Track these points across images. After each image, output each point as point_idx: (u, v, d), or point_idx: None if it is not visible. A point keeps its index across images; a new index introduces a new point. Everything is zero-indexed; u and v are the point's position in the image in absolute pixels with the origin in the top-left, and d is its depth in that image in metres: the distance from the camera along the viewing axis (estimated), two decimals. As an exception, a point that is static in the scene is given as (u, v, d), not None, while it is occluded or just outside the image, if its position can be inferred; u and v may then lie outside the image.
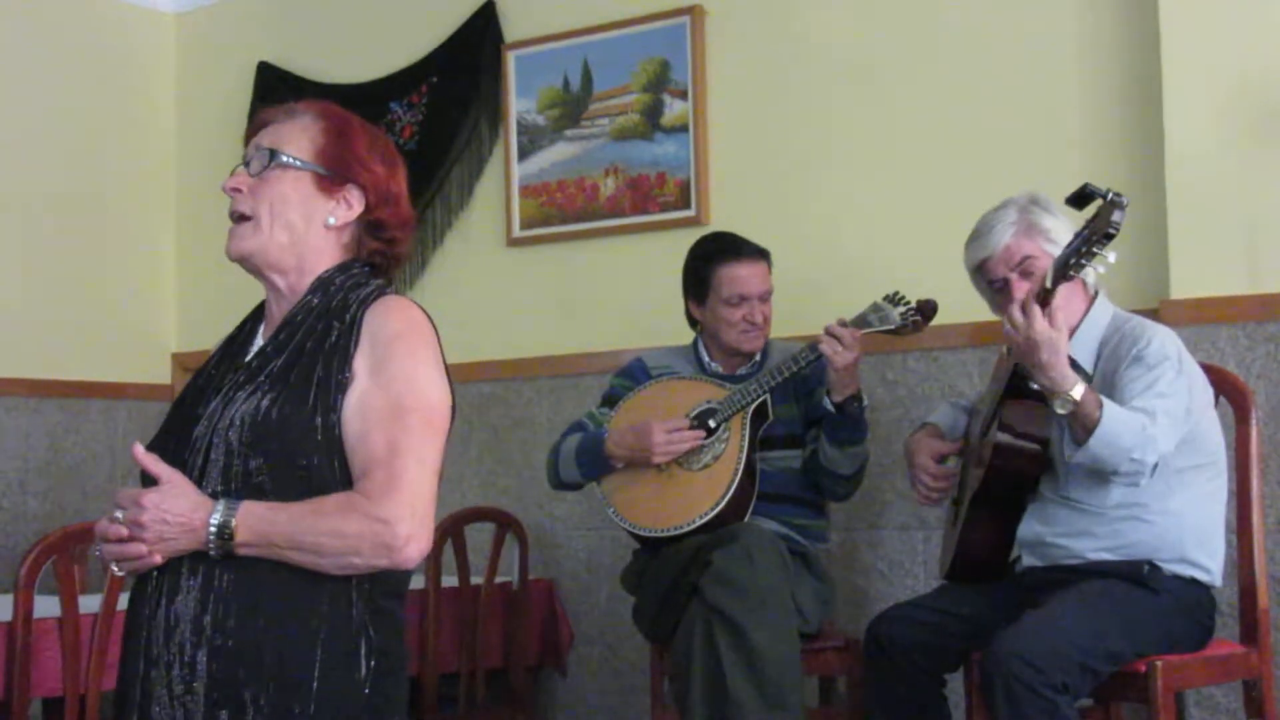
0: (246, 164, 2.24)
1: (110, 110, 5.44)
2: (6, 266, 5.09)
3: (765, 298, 3.70)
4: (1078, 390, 2.89)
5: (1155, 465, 2.92)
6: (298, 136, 2.24)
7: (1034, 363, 2.91)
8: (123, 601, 3.16)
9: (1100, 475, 2.97)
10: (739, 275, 3.67)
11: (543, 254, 4.76)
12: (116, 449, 5.32)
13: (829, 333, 3.48)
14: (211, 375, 2.24)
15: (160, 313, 5.55)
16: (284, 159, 2.21)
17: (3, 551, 4.93)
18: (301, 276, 2.23)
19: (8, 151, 5.11)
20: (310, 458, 2.07)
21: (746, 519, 3.55)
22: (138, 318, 5.48)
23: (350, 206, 2.24)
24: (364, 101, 4.88)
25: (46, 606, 3.28)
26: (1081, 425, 2.90)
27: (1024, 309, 2.91)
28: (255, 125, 2.30)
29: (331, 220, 2.23)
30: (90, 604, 3.31)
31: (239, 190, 2.22)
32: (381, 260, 2.30)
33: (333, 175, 2.23)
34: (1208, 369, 3.17)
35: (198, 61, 5.59)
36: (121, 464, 5.32)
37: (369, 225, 2.26)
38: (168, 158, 5.59)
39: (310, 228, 2.22)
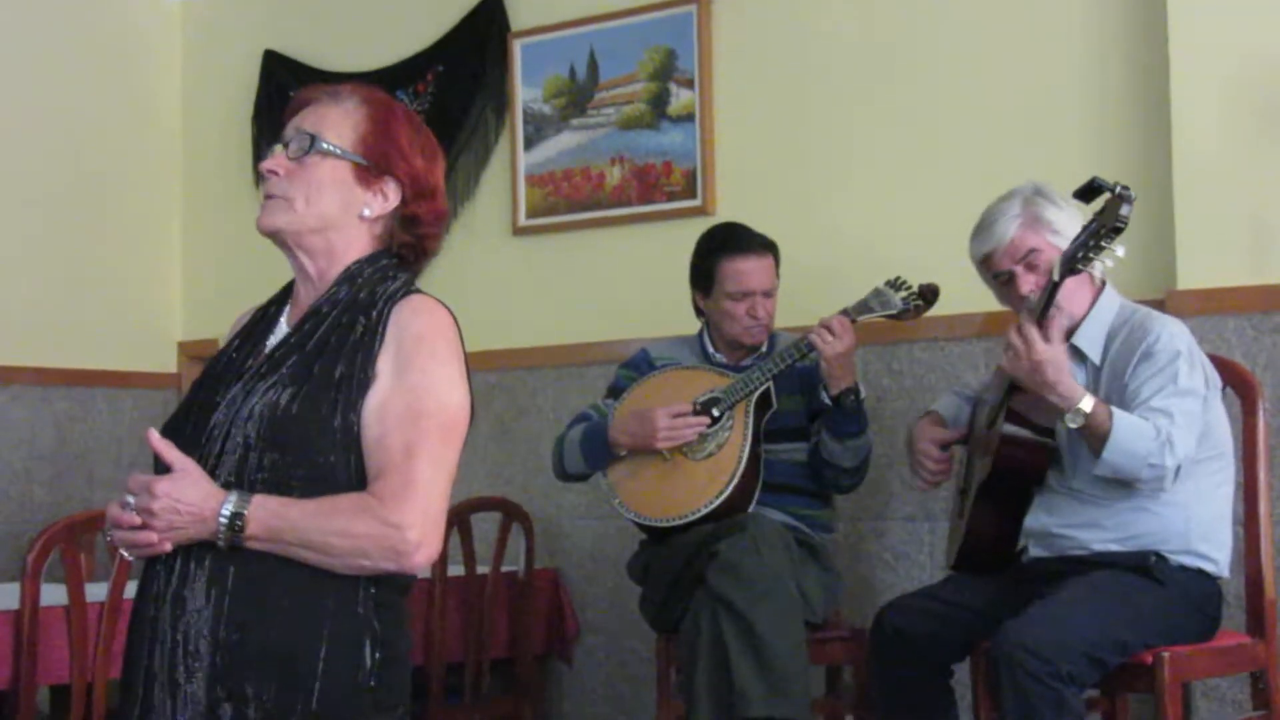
0: (285, 145, 2.19)
1: (116, 99, 5.43)
2: (13, 255, 5.08)
3: (769, 293, 3.69)
4: (1087, 402, 2.90)
5: (1178, 469, 2.92)
6: (340, 122, 2.18)
7: (1040, 382, 2.92)
8: (130, 590, 3.16)
9: (1124, 484, 2.96)
10: (742, 269, 3.67)
11: (548, 243, 4.76)
12: (122, 438, 5.33)
13: (821, 323, 3.49)
14: (232, 359, 2.21)
15: (166, 301, 5.55)
16: (324, 146, 2.16)
17: (9, 540, 4.93)
18: (331, 264, 2.20)
19: (13, 141, 5.10)
20: (326, 456, 2.05)
21: (752, 508, 3.55)
22: (144, 306, 5.48)
23: (386, 199, 2.20)
24: (370, 90, 4.87)
25: (53, 595, 3.29)
26: (1095, 435, 2.91)
27: (1021, 333, 2.91)
28: (296, 104, 2.24)
29: (367, 212, 2.19)
30: (97, 592, 3.31)
31: (275, 173, 2.18)
32: (410, 254, 2.27)
33: (372, 166, 2.18)
34: (1214, 360, 3.16)
35: (203, 50, 5.58)
36: (128, 452, 5.32)
37: (403, 219, 2.23)
38: (173, 146, 5.59)
39: (345, 217, 2.18)
